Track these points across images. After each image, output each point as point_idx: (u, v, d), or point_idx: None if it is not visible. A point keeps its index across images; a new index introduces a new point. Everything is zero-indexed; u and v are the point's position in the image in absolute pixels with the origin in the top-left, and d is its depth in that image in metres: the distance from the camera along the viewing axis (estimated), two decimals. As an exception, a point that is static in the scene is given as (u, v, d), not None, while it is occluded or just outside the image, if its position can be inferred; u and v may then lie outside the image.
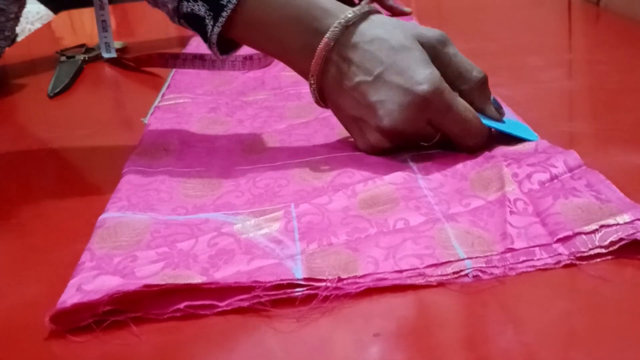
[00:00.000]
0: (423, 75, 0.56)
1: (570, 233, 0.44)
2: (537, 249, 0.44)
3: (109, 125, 0.80)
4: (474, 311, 0.41)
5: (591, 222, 0.45)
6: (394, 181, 0.55)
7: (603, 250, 0.43)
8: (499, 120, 0.60)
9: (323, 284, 0.43)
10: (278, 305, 0.42)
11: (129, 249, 0.48)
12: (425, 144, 0.59)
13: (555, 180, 0.51)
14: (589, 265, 0.43)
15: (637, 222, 0.44)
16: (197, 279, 0.43)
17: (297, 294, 0.42)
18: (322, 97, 0.62)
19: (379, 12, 0.61)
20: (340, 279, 0.43)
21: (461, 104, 0.57)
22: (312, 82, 0.61)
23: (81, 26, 1.43)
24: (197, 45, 0.99)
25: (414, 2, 1.28)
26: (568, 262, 0.43)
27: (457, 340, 0.39)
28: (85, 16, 1.44)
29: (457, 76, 0.59)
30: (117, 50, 1.11)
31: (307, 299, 0.42)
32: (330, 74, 0.60)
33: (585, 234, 0.44)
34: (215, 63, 0.86)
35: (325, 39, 0.58)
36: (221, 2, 0.60)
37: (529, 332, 0.38)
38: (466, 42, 0.95)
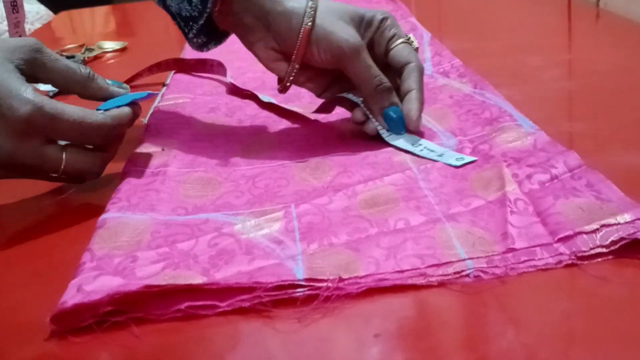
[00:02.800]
0: (17, 99, 0.53)
1: (571, 232, 0.44)
2: (538, 248, 0.44)
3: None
4: (475, 311, 0.41)
5: (592, 221, 0.45)
6: (394, 182, 0.55)
7: (604, 250, 0.43)
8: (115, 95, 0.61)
9: (324, 284, 0.43)
10: (279, 306, 0.42)
11: (130, 249, 0.48)
12: (54, 175, 0.57)
13: (556, 180, 0.51)
14: (589, 265, 0.43)
15: (638, 221, 0.44)
16: (198, 279, 0.43)
17: (298, 294, 0.42)
18: None
19: None
20: (341, 279, 0.43)
21: (68, 108, 0.55)
22: None
23: (81, 26, 1.43)
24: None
25: (414, 2, 1.28)
26: (569, 261, 0.43)
27: (458, 340, 0.39)
28: (85, 16, 1.44)
29: (64, 79, 0.59)
30: (117, 50, 1.11)
31: (308, 300, 0.42)
32: None
33: (586, 233, 0.44)
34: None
35: None
36: None
37: (529, 332, 0.38)
38: (466, 42, 0.95)
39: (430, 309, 0.42)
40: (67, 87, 0.59)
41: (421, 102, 0.64)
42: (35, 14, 1.54)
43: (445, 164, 0.58)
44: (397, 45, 0.66)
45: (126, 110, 0.59)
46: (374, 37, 0.67)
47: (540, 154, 0.55)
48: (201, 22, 0.68)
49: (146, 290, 0.42)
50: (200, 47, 0.71)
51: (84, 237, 0.50)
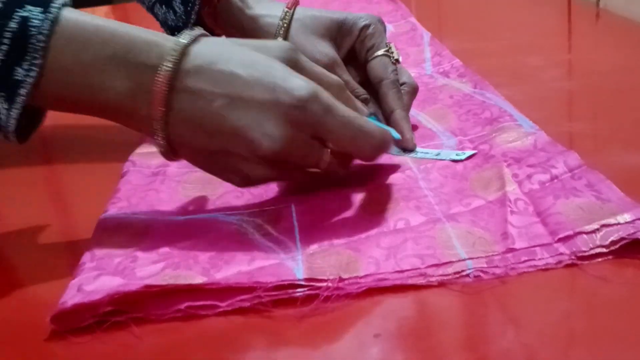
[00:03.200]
0: (293, 82, 0.48)
1: (571, 232, 0.44)
2: (538, 248, 0.44)
3: (109, 126, 0.80)
4: (475, 311, 0.41)
5: (592, 221, 0.45)
6: (394, 181, 0.55)
7: (604, 250, 0.43)
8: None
9: (324, 284, 0.43)
10: (279, 306, 0.42)
11: (130, 249, 0.48)
12: (313, 170, 0.52)
13: (556, 180, 0.51)
14: (589, 265, 0.43)
15: (638, 221, 0.44)
16: (198, 279, 0.43)
17: (298, 294, 0.42)
18: (171, 146, 0.51)
19: (209, 35, 0.52)
20: (341, 279, 0.43)
21: (341, 105, 0.50)
22: (155, 128, 0.49)
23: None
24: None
25: (414, 2, 1.28)
26: (569, 261, 0.43)
27: (458, 340, 0.39)
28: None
29: (319, 82, 0.51)
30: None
31: (308, 299, 0.42)
32: (176, 112, 0.49)
33: (586, 233, 0.44)
34: None
35: (162, 72, 0.48)
36: (14, 76, 0.47)
37: (529, 332, 0.38)
38: (466, 42, 0.95)
39: (430, 309, 0.42)
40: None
41: (407, 120, 0.63)
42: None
43: (446, 160, 0.58)
44: (373, 58, 0.65)
45: (390, 132, 0.54)
46: (355, 44, 0.67)
47: (540, 154, 0.55)
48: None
49: (146, 290, 0.42)
50: None
51: (84, 237, 0.50)
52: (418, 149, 0.62)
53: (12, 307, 0.46)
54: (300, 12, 0.67)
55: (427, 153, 0.60)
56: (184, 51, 0.48)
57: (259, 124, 0.48)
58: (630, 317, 0.39)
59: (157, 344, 0.41)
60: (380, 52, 0.65)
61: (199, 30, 0.51)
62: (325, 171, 0.52)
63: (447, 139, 0.62)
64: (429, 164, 0.58)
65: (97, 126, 0.77)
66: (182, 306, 0.42)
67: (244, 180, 0.52)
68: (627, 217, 0.45)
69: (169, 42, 0.49)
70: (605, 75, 0.78)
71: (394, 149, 0.61)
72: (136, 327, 0.41)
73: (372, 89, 0.65)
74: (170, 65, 0.48)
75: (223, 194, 0.56)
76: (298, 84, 0.48)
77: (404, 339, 0.39)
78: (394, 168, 0.57)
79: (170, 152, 0.51)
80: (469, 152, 0.59)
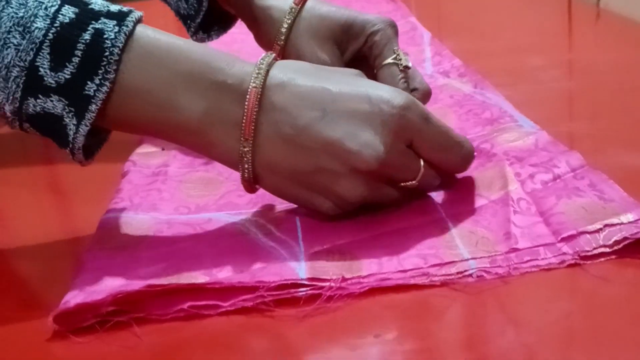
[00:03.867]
0: (387, 92, 0.47)
1: (574, 232, 0.44)
2: (541, 248, 0.44)
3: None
4: (475, 312, 0.41)
5: (595, 221, 0.45)
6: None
7: (607, 250, 0.43)
8: None
9: (327, 283, 0.43)
10: (282, 305, 0.42)
11: (132, 249, 0.48)
12: (407, 184, 0.50)
13: (558, 180, 0.51)
14: (592, 265, 0.43)
15: (641, 221, 0.44)
16: (200, 279, 0.43)
17: (300, 293, 0.42)
18: (255, 175, 0.49)
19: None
20: (344, 279, 0.43)
21: (434, 115, 0.49)
22: (245, 149, 0.47)
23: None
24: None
25: (414, 2, 1.28)
26: (572, 261, 0.43)
27: (458, 340, 0.39)
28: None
29: None
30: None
31: (310, 299, 0.42)
32: (263, 132, 0.47)
33: (589, 233, 0.44)
34: None
35: (252, 89, 0.46)
36: (86, 91, 0.45)
37: (530, 332, 0.38)
38: (466, 42, 0.95)
39: (431, 309, 0.42)
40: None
41: None
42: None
43: None
44: (381, 67, 0.63)
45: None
46: (363, 49, 0.65)
47: (542, 153, 0.55)
48: (198, 20, 0.69)
49: (148, 290, 0.42)
50: (202, 41, 0.72)
51: (86, 237, 0.50)
52: None
53: (14, 307, 0.46)
54: (309, 7, 0.66)
55: None
56: (268, 68, 0.47)
57: (356, 134, 0.46)
58: (631, 317, 0.39)
59: (159, 344, 0.40)
60: (387, 61, 0.63)
61: (272, 54, 0.49)
62: (420, 183, 0.50)
63: None
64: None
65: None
66: (185, 306, 0.42)
67: (337, 203, 0.49)
68: (630, 217, 0.45)
69: (247, 63, 0.48)
70: (606, 75, 0.78)
71: None
72: (138, 327, 0.41)
73: None
74: (258, 82, 0.47)
75: (225, 193, 0.56)
76: (393, 94, 0.47)
77: (405, 339, 0.39)
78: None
79: (253, 179, 0.49)
80: None
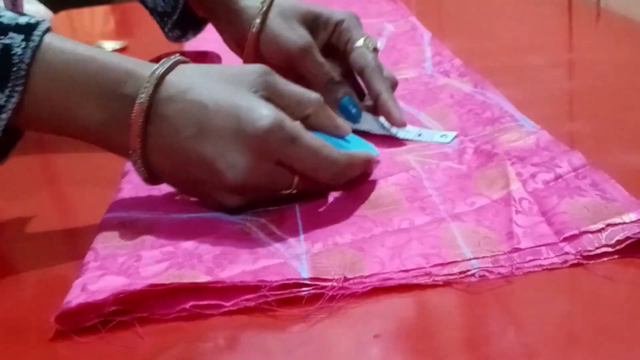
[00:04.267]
0: (256, 112, 0.48)
1: (576, 232, 0.44)
2: (543, 248, 0.44)
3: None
4: (476, 312, 0.41)
5: (597, 220, 0.45)
6: (398, 181, 0.55)
7: (609, 249, 0.43)
8: (348, 132, 0.56)
9: (329, 283, 0.43)
10: (284, 305, 0.42)
11: (133, 248, 0.48)
12: (285, 192, 0.51)
13: (560, 180, 0.51)
14: (594, 265, 0.43)
15: (643, 221, 0.44)
16: (202, 278, 0.43)
17: (303, 293, 0.42)
18: (153, 174, 0.52)
19: (188, 61, 0.53)
20: (346, 279, 0.43)
21: (307, 134, 0.50)
22: (135, 158, 0.50)
23: (81, 26, 1.42)
24: (196, 45, 0.99)
25: (414, 2, 1.28)
26: (575, 261, 0.43)
27: (459, 340, 0.39)
28: (85, 16, 1.44)
29: (297, 103, 0.53)
30: (117, 50, 1.10)
31: (313, 299, 0.42)
32: (152, 141, 0.50)
33: (592, 232, 0.44)
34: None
35: (138, 104, 0.49)
36: None
37: (530, 332, 0.38)
38: (466, 42, 0.95)
39: (431, 309, 0.42)
40: (300, 112, 0.53)
41: (393, 100, 0.64)
42: (35, 13, 1.53)
43: (430, 142, 0.61)
44: (353, 50, 0.67)
45: (361, 154, 0.54)
46: (332, 39, 0.68)
47: (543, 153, 0.55)
48: (175, 17, 0.71)
49: (151, 290, 0.42)
50: (178, 39, 0.74)
51: (87, 237, 0.50)
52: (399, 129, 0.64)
53: (17, 307, 0.46)
54: (281, 4, 0.70)
55: (407, 132, 0.63)
56: (159, 81, 0.49)
57: (224, 154, 0.49)
58: (633, 316, 0.39)
59: (161, 344, 0.40)
60: (358, 44, 0.66)
61: (176, 57, 0.51)
62: (300, 190, 0.52)
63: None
64: (432, 164, 0.58)
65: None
66: (187, 305, 0.42)
67: (221, 207, 0.52)
68: (632, 216, 0.45)
69: (145, 71, 0.50)
70: (606, 74, 0.78)
71: (374, 127, 0.65)
72: (140, 327, 0.41)
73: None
74: (145, 96, 0.49)
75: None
76: (261, 114, 0.48)
77: (406, 339, 0.39)
78: (397, 167, 0.57)
79: (152, 179, 0.52)
80: (452, 133, 0.62)
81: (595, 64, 0.82)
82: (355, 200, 0.53)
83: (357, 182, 0.54)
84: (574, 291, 0.43)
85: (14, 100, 0.48)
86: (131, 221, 0.51)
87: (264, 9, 0.69)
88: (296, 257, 0.45)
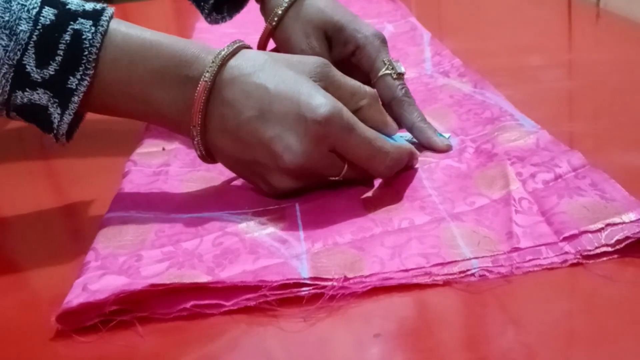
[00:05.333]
0: (317, 99, 0.50)
1: (576, 231, 0.45)
2: (543, 247, 0.44)
3: (110, 125, 0.80)
4: (476, 311, 0.41)
5: (597, 220, 0.45)
6: (398, 181, 0.55)
7: (609, 249, 0.43)
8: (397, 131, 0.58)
9: (329, 283, 0.43)
10: (284, 305, 0.42)
11: (134, 248, 0.48)
12: (333, 179, 0.53)
13: (560, 180, 0.51)
14: (594, 265, 0.43)
15: (643, 220, 0.44)
16: (203, 278, 0.43)
17: (303, 293, 0.42)
18: (208, 151, 0.54)
19: (250, 47, 0.55)
20: (346, 279, 0.43)
21: (362, 125, 0.52)
22: (194, 134, 0.52)
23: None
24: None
25: (414, 2, 1.28)
26: (574, 260, 0.43)
27: (459, 340, 0.39)
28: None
29: (351, 95, 0.54)
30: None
31: (313, 298, 0.42)
32: (213, 120, 0.52)
33: (591, 232, 0.44)
34: None
35: (202, 82, 0.51)
36: (68, 85, 0.50)
37: (530, 332, 0.38)
38: (466, 42, 0.95)
39: (431, 308, 0.42)
40: (354, 103, 0.54)
41: (429, 127, 0.63)
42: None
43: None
44: (376, 80, 0.65)
45: (408, 147, 0.56)
46: (352, 58, 0.68)
47: (543, 153, 0.55)
48: (211, 1, 0.72)
49: (151, 289, 0.42)
50: (216, 22, 0.75)
51: (87, 236, 0.50)
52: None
53: (17, 307, 0.46)
54: (307, 4, 0.69)
55: (404, 136, 0.62)
56: (222, 63, 0.51)
57: (282, 137, 0.50)
58: (633, 316, 0.39)
59: (162, 343, 0.41)
60: (381, 73, 0.65)
61: (239, 42, 0.53)
62: (344, 179, 0.53)
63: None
64: (432, 163, 0.58)
65: (97, 126, 0.77)
66: (188, 305, 0.42)
67: (272, 190, 0.54)
68: (632, 216, 0.45)
69: (210, 55, 0.52)
70: (606, 75, 0.78)
71: None
72: (141, 327, 0.41)
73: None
74: (209, 76, 0.51)
75: (226, 193, 0.56)
76: (321, 102, 0.50)
77: (405, 339, 0.39)
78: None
79: (208, 157, 0.54)
80: (447, 135, 0.62)
81: (594, 64, 0.82)
82: (355, 200, 0.53)
83: (400, 173, 0.56)
84: (574, 291, 0.43)
85: (85, 84, 0.50)
86: (132, 221, 0.51)
87: (287, 5, 0.68)
88: (296, 256, 0.46)
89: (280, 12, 0.68)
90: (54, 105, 0.51)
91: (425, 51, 0.90)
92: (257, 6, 0.74)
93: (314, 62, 0.54)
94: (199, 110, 0.51)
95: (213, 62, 0.51)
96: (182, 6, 0.76)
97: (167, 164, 0.62)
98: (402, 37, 0.99)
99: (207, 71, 0.51)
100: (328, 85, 0.53)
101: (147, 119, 0.56)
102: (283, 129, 0.50)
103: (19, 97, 0.50)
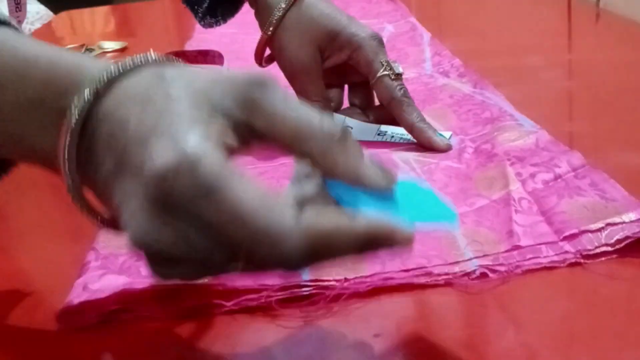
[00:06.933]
0: (165, 144, 0.33)
1: (576, 231, 0.45)
2: (543, 246, 0.44)
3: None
4: (476, 311, 0.41)
5: (597, 220, 0.45)
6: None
7: (609, 249, 0.43)
8: (383, 188, 0.36)
9: (330, 283, 0.43)
10: (285, 305, 0.42)
11: (135, 248, 0.48)
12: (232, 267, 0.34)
13: (559, 180, 0.51)
14: (593, 264, 0.43)
15: (643, 220, 0.44)
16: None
17: (304, 292, 0.42)
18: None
19: (176, 61, 0.40)
20: (347, 279, 0.43)
21: (237, 183, 0.33)
22: (73, 195, 0.37)
23: (81, 26, 1.42)
24: (197, 45, 0.99)
25: (414, 2, 1.28)
26: (574, 260, 0.43)
27: (459, 340, 0.39)
28: (85, 16, 1.44)
29: (294, 133, 0.36)
30: (117, 50, 1.11)
31: (313, 299, 0.42)
32: (84, 174, 0.36)
33: (591, 232, 0.44)
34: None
35: (65, 125, 0.35)
36: None
37: (531, 332, 0.38)
38: (466, 42, 0.95)
39: (431, 308, 0.42)
40: (298, 146, 0.36)
41: (429, 127, 0.63)
42: (35, 13, 1.53)
43: None
44: (374, 82, 0.65)
45: (384, 225, 0.34)
46: (350, 61, 0.67)
47: (543, 153, 0.55)
48: (205, 5, 0.71)
49: (152, 289, 0.42)
50: (211, 25, 0.75)
51: (88, 236, 0.50)
52: (393, 132, 0.64)
53: (18, 307, 0.46)
54: (305, 5, 0.68)
55: (403, 136, 0.63)
56: (98, 91, 0.36)
57: (129, 200, 0.34)
58: (632, 315, 0.39)
59: (163, 343, 0.41)
60: (379, 74, 0.65)
61: (141, 57, 0.38)
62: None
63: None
64: (432, 164, 0.58)
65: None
66: (188, 305, 0.42)
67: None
68: (631, 216, 0.45)
69: (89, 78, 0.36)
70: (606, 75, 0.78)
71: (369, 136, 0.64)
72: (142, 326, 0.41)
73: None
74: (76, 116, 0.35)
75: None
76: (167, 147, 0.33)
77: (405, 339, 0.39)
78: (397, 168, 0.57)
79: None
80: (448, 133, 0.62)
81: (594, 64, 0.82)
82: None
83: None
84: (574, 290, 0.43)
85: None
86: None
87: (280, 15, 0.67)
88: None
89: (274, 20, 0.68)
90: None
91: (425, 51, 0.90)
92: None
93: (242, 81, 0.36)
94: (64, 159, 0.36)
95: (85, 97, 0.35)
96: (182, 6, 0.75)
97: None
98: (402, 37, 0.99)
99: (72, 113, 0.35)
100: (251, 115, 0.35)
101: (26, 160, 0.41)
102: (132, 188, 0.34)
103: None
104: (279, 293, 0.42)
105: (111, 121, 0.35)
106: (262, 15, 0.70)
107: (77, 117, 0.35)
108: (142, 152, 0.34)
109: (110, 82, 0.36)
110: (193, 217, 0.33)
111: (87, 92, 0.35)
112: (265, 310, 0.42)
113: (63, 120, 0.36)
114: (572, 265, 0.43)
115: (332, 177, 0.36)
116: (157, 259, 0.35)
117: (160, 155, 0.33)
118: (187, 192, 0.33)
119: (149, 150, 0.33)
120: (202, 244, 0.33)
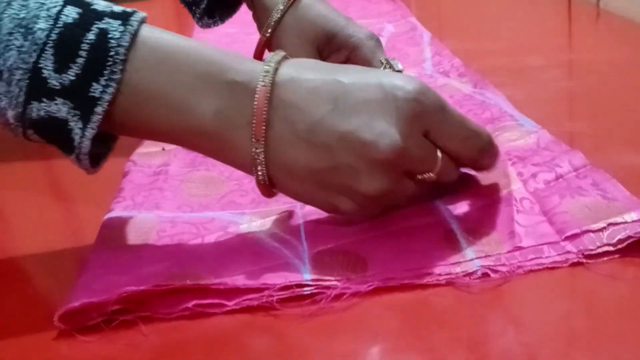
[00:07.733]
0: (401, 79, 0.45)
1: (578, 231, 0.45)
2: (545, 246, 0.44)
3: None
4: (477, 311, 0.41)
5: (598, 220, 0.45)
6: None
7: (611, 249, 0.43)
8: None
9: (331, 283, 0.43)
10: (286, 305, 0.42)
11: (136, 247, 0.48)
12: (428, 176, 0.47)
13: (561, 180, 0.51)
14: (595, 264, 0.43)
15: (645, 220, 0.44)
16: (205, 279, 0.43)
17: (305, 292, 0.42)
18: (269, 175, 0.46)
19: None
20: (348, 279, 0.43)
21: (449, 104, 0.47)
22: (257, 150, 0.45)
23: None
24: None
25: (414, 2, 1.28)
26: (576, 260, 0.43)
27: (459, 340, 0.39)
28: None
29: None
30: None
31: (315, 298, 0.42)
32: (276, 131, 0.45)
33: (593, 232, 0.44)
34: None
35: (261, 88, 0.44)
36: (91, 92, 0.43)
37: (532, 332, 0.38)
38: (466, 42, 0.95)
39: (431, 308, 0.42)
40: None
41: None
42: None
43: None
44: None
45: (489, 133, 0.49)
46: (349, 61, 0.67)
47: (544, 152, 0.55)
48: (203, 5, 0.71)
49: (153, 289, 0.42)
50: (208, 26, 0.75)
51: (89, 236, 0.50)
52: None
53: (20, 307, 0.46)
54: (303, 5, 0.68)
55: None
56: (277, 65, 0.45)
57: (371, 125, 0.43)
58: (634, 316, 0.39)
59: (164, 343, 0.41)
60: None
61: (281, 52, 0.47)
62: (438, 176, 0.47)
63: None
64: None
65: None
66: (190, 305, 0.42)
67: (358, 201, 0.46)
68: (633, 215, 0.45)
69: (257, 62, 0.46)
70: (606, 75, 0.78)
71: None
72: (144, 326, 0.41)
73: None
74: (267, 80, 0.44)
75: (227, 192, 0.56)
76: (407, 80, 0.45)
77: (405, 339, 0.39)
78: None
79: (269, 182, 0.46)
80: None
81: (594, 64, 0.82)
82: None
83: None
84: (575, 290, 0.43)
85: (110, 91, 0.43)
86: (133, 221, 0.52)
87: (278, 17, 0.68)
88: (298, 257, 0.46)
89: (273, 22, 0.68)
90: (75, 118, 0.43)
91: (425, 51, 0.90)
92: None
93: (358, 67, 0.49)
94: (262, 120, 0.44)
95: (268, 64, 0.45)
96: (182, 6, 0.76)
97: (167, 164, 0.62)
98: (402, 37, 0.99)
99: (264, 74, 0.44)
100: (429, 125, 0.46)
101: (180, 136, 0.46)
102: (369, 116, 0.44)
103: (34, 109, 0.43)
104: (280, 292, 0.42)
105: (307, 81, 0.45)
106: (260, 17, 0.70)
107: (269, 82, 0.44)
108: (375, 89, 0.44)
109: (281, 60, 0.46)
110: (430, 126, 0.45)
111: (271, 60, 0.45)
112: (266, 309, 0.42)
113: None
114: (574, 265, 0.43)
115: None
116: (393, 166, 0.44)
117: (409, 84, 0.44)
118: (432, 106, 0.45)
119: (392, 84, 0.44)
120: (427, 149, 0.46)
